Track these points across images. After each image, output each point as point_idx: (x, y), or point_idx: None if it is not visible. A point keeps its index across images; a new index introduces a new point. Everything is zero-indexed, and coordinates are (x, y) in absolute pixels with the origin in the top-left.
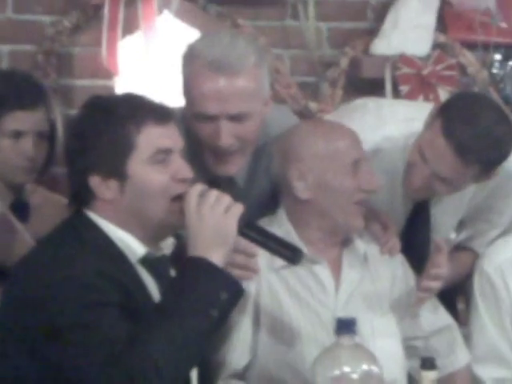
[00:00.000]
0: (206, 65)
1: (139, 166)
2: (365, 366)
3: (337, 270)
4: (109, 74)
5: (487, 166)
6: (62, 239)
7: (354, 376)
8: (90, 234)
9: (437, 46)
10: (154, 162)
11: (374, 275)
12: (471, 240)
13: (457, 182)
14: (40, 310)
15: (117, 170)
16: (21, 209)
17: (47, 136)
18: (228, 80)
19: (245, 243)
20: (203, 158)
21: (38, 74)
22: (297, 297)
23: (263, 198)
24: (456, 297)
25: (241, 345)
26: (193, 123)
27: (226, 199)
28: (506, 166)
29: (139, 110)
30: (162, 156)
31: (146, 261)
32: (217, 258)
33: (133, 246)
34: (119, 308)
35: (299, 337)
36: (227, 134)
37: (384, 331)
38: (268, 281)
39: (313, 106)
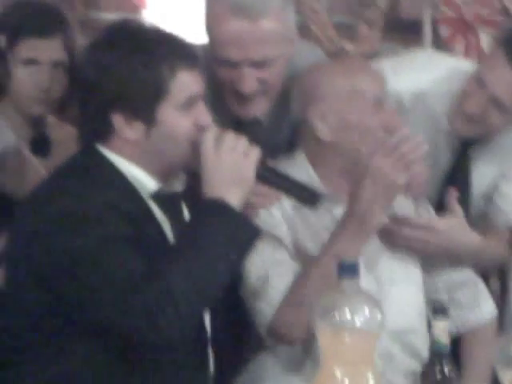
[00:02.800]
0: (229, 7)
1: (170, 112)
2: (367, 312)
3: None
4: (136, 8)
5: None
6: (71, 172)
7: (355, 322)
8: (101, 168)
9: None
10: (183, 109)
11: (394, 219)
12: (506, 210)
13: None
14: (48, 245)
15: (145, 113)
16: (41, 143)
17: (65, 67)
18: (251, 24)
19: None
20: (225, 100)
21: (64, 6)
22: (316, 235)
23: (288, 137)
24: (489, 278)
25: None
26: (215, 66)
27: (243, 142)
28: None
29: (174, 52)
30: (191, 102)
31: (157, 196)
32: (234, 200)
33: (145, 181)
34: (131, 241)
35: None
36: (250, 81)
37: (404, 277)
38: (291, 216)
39: (349, 47)
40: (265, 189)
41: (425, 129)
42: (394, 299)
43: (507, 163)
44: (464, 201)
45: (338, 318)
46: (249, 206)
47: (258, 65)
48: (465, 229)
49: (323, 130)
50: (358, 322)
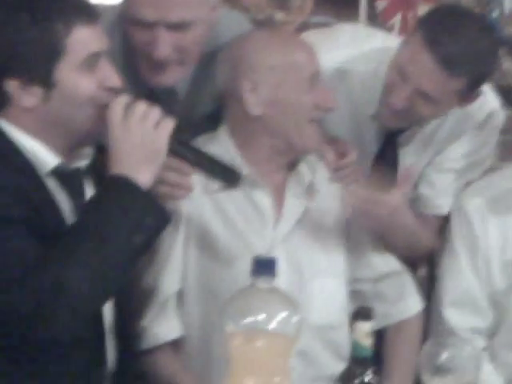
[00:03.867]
0: None
1: (68, 72)
2: (282, 314)
3: (279, 199)
4: None
5: (473, 79)
6: None
7: (270, 325)
8: None
9: None
10: (83, 68)
11: (321, 207)
12: (434, 199)
13: (440, 99)
14: None
15: (42, 76)
16: None
17: None
18: None
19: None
20: (138, 67)
21: None
22: (231, 225)
23: (209, 111)
24: (416, 268)
25: (172, 269)
26: (127, 28)
27: (156, 112)
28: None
29: (68, 7)
30: (91, 61)
31: (57, 173)
32: (143, 177)
33: (43, 156)
34: (24, 224)
35: (230, 270)
36: (165, 44)
37: (327, 270)
38: (201, 204)
39: (279, 16)
40: (176, 178)
41: (347, 111)
42: (315, 292)
43: (434, 151)
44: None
45: (249, 320)
46: (158, 195)
47: (175, 27)
48: (406, 208)
49: (253, 103)
50: (272, 324)
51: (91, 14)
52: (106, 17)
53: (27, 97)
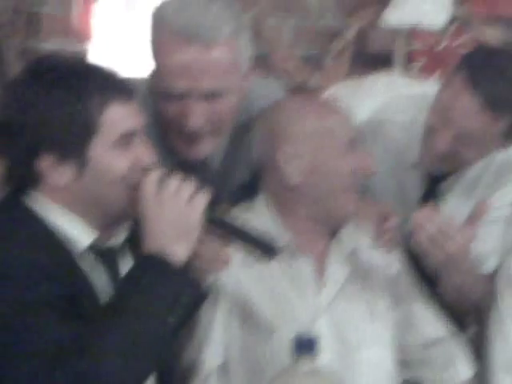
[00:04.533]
0: (175, 32)
1: (102, 151)
2: None
3: (321, 267)
4: (80, 37)
5: None
6: None
7: None
8: (25, 222)
9: (454, 19)
10: (117, 146)
11: (363, 274)
12: (481, 255)
13: (484, 140)
14: None
15: (76, 153)
16: None
17: None
18: (199, 51)
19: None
20: (171, 140)
21: (2, 34)
22: (272, 295)
23: (245, 180)
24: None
25: (213, 343)
26: (159, 99)
27: (190, 186)
28: None
29: (103, 85)
30: (126, 139)
31: (92, 250)
32: (178, 253)
33: (77, 235)
34: (57, 306)
35: (272, 341)
36: (198, 115)
37: (373, 339)
38: (240, 275)
39: (314, 81)
40: (213, 252)
41: (387, 161)
42: (362, 363)
43: (478, 199)
44: None
45: None
46: (195, 270)
47: (207, 97)
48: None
49: (290, 172)
50: None
51: (126, 92)
52: (137, 90)
53: (60, 174)
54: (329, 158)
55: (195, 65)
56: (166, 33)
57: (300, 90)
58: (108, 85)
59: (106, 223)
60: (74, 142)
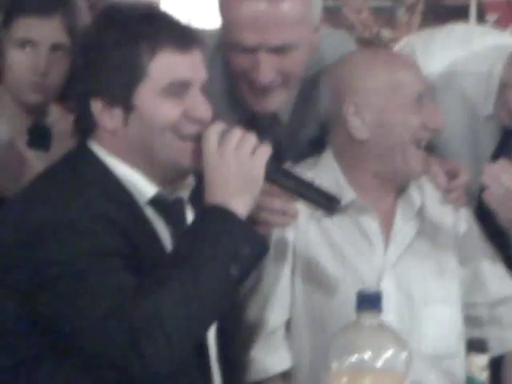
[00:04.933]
0: None
1: (149, 97)
2: (389, 352)
3: (388, 224)
4: None
5: None
6: (60, 175)
7: (377, 363)
8: (93, 172)
9: None
10: (166, 94)
11: (431, 231)
12: None
13: None
14: (29, 257)
15: (122, 98)
16: (40, 135)
17: (65, 50)
18: (269, 5)
19: None
20: (241, 93)
21: None
22: (338, 252)
23: (313, 135)
24: None
25: (279, 300)
26: (228, 53)
27: (252, 140)
28: None
29: (157, 29)
30: (177, 88)
31: (156, 203)
32: (240, 206)
33: (141, 186)
34: (123, 257)
35: (338, 298)
36: (268, 69)
37: (439, 296)
38: (307, 230)
39: (386, 33)
40: (280, 205)
41: (460, 113)
42: (429, 320)
43: None
44: None
45: (355, 359)
46: (262, 223)
47: (277, 51)
48: None
49: (359, 126)
50: (379, 363)
51: (184, 40)
52: (207, 42)
53: (109, 119)
54: (396, 112)
55: (264, 18)
56: None
57: (371, 43)
58: (164, 32)
59: (162, 176)
60: (120, 87)
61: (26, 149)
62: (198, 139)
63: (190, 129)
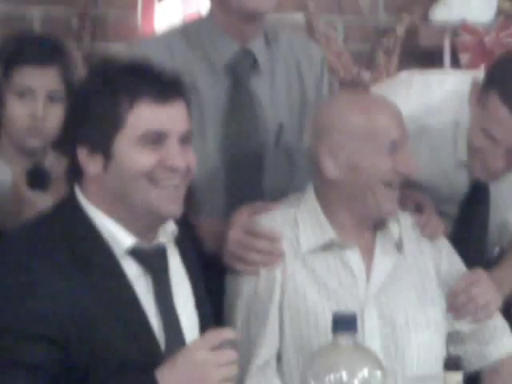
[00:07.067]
0: None
1: (126, 145)
2: (365, 371)
3: (369, 256)
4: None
5: None
6: (41, 232)
7: (353, 382)
8: (73, 225)
9: (500, 12)
10: (143, 144)
11: (411, 262)
12: None
13: None
14: None
15: (103, 146)
16: (38, 176)
17: (62, 98)
18: None
19: (268, 227)
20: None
21: (70, 37)
22: (324, 286)
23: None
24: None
25: (270, 331)
26: None
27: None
28: None
29: (137, 82)
30: (152, 138)
31: (135, 253)
32: None
33: (119, 237)
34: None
35: (325, 329)
36: None
37: (421, 322)
38: (293, 268)
39: (366, 75)
40: (266, 245)
41: (430, 163)
42: (411, 344)
43: None
44: (481, 237)
45: (332, 378)
46: (250, 263)
47: None
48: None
49: (329, 167)
50: (356, 382)
51: (163, 94)
52: None
53: (92, 166)
54: (368, 156)
55: None
56: None
57: (353, 84)
58: (144, 84)
59: (140, 223)
60: (102, 134)
61: (26, 189)
62: (175, 189)
63: (166, 178)
